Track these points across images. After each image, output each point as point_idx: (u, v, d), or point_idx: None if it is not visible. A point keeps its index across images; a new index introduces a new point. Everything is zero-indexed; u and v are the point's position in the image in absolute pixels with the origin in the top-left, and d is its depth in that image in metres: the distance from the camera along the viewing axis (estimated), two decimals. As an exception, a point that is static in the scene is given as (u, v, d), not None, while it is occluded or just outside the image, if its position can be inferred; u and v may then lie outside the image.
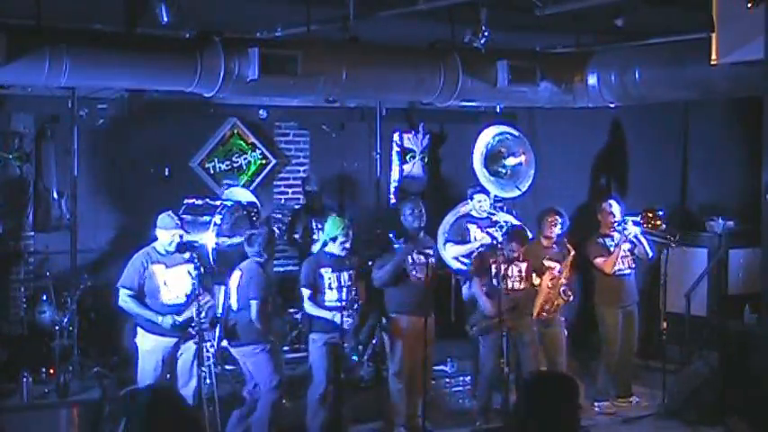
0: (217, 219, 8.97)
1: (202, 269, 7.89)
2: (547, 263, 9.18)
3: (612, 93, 9.72)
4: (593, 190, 11.33)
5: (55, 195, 9.88)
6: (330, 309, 8.16)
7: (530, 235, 9.52)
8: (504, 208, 10.37)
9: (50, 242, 9.80)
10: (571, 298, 9.30)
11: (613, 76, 9.60)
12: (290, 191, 11.26)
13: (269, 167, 11.09)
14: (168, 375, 7.92)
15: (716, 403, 9.04)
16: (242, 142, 10.96)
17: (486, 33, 8.06)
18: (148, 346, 7.85)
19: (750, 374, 8.62)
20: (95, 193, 10.11)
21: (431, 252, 8.61)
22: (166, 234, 7.84)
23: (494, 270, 8.72)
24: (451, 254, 9.64)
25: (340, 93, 9.22)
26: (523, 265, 8.84)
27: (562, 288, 9.18)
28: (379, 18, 8.16)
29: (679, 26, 8.60)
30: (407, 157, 11.74)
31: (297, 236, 10.25)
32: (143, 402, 3.64)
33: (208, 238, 8.88)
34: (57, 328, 8.96)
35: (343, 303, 8.10)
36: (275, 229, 8.51)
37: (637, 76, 9.40)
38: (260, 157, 11.04)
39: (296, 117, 11.23)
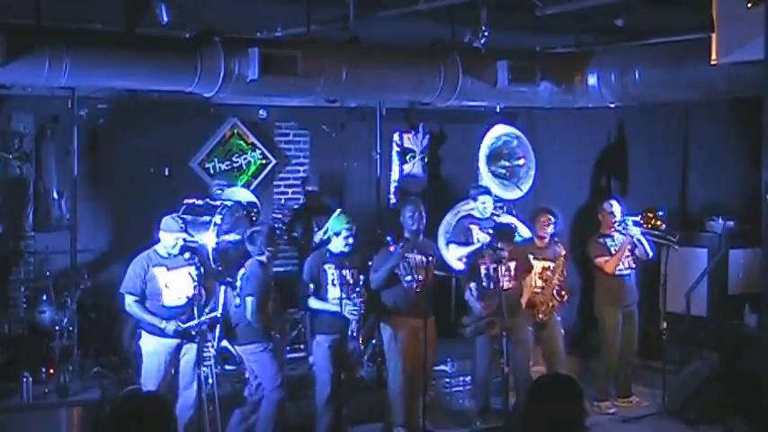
0: (217, 219, 8.97)
1: (203, 270, 7.88)
2: (534, 261, 9.17)
3: (612, 93, 9.72)
4: (593, 190, 11.32)
5: (55, 195, 9.88)
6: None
7: (528, 234, 9.54)
8: (504, 209, 10.36)
9: (50, 242, 9.80)
10: (566, 299, 9.30)
11: (613, 76, 9.61)
12: (290, 191, 11.26)
13: (269, 167, 11.09)
14: (170, 377, 7.90)
15: (716, 403, 9.04)
16: (242, 142, 10.97)
17: (486, 33, 8.06)
18: (151, 348, 7.85)
19: (750, 374, 8.62)
20: (95, 193, 10.12)
21: (430, 253, 8.59)
22: (170, 237, 7.83)
23: (483, 271, 8.73)
24: (454, 255, 9.63)
25: (340, 93, 9.22)
26: (512, 264, 8.82)
27: (555, 289, 9.17)
28: (379, 18, 8.16)
29: (679, 26, 8.60)
30: (407, 157, 11.74)
31: (297, 235, 10.25)
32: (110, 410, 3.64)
33: (208, 239, 8.88)
34: (57, 328, 8.96)
35: (344, 297, 8.10)
36: (277, 241, 8.51)
37: (637, 76, 9.41)
38: (260, 157, 11.05)
39: (296, 117, 11.23)
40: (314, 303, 8.29)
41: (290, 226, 10.43)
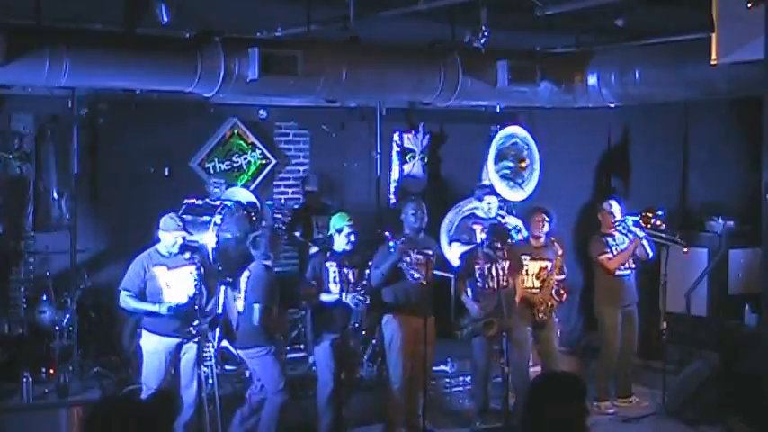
0: (217, 219, 8.97)
1: (203, 269, 7.88)
2: (531, 262, 9.15)
3: (612, 93, 9.72)
4: (595, 190, 11.29)
5: (55, 195, 9.88)
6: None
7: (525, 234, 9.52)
8: (505, 209, 10.34)
9: (50, 242, 9.80)
10: (565, 298, 9.28)
11: (613, 76, 9.61)
12: (290, 191, 11.26)
13: (269, 167, 11.09)
14: (171, 376, 7.90)
15: (716, 403, 9.03)
16: (242, 142, 10.97)
17: (486, 33, 8.06)
18: (151, 347, 7.86)
19: (750, 375, 8.61)
20: (95, 193, 10.11)
21: (430, 252, 8.60)
22: (169, 236, 7.83)
23: (477, 271, 8.71)
24: (457, 254, 9.62)
25: (340, 93, 9.22)
26: (506, 264, 8.80)
27: (554, 289, 9.16)
28: (379, 18, 8.16)
29: (679, 26, 8.60)
30: (407, 157, 11.74)
31: (297, 235, 10.25)
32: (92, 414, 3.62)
33: (208, 239, 8.88)
34: (57, 328, 8.97)
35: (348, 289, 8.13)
36: (279, 234, 8.52)
37: (637, 76, 9.41)
38: (260, 157, 11.05)
39: (296, 117, 11.23)
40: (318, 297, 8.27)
41: (290, 226, 10.43)
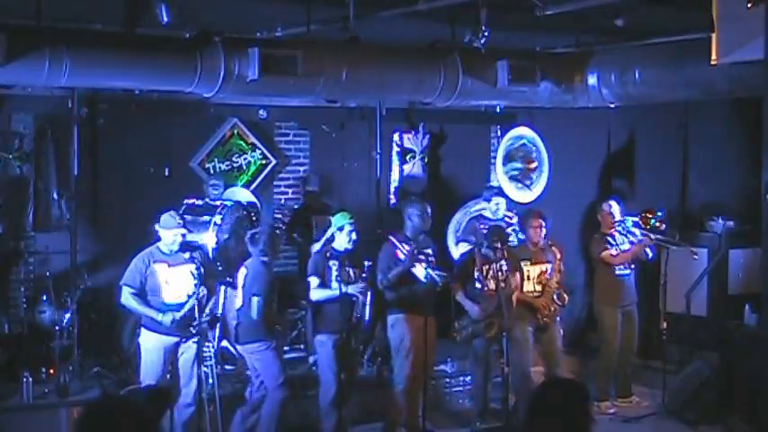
0: (217, 219, 8.97)
1: (203, 269, 7.88)
2: (530, 267, 9.10)
3: (612, 93, 9.72)
4: (599, 191, 11.25)
5: (55, 195, 9.88)
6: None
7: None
8: (514, 212, 10.30)
9: (50, 242, 9.79)
10: (566, 301, 9.27)
11: (613, 76, 9.61)
12: (290, 191, 11.26)
13: (269, 167, 11.09)
14: (169, 375, 7.90)
15: (716, 403, 9.05)
16: (242, 142, 10.97)
17: (486, 33, 8.06)
18: (150, 345, 7.86)
19: (750, 374, 8.62)
20: (95, 193, 10.11)
21: (430, 252, 8.59)
22: (169, 233, 7.84)
23: (476, 272, 8.69)
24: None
25: (340, 93, 9.22)
26: (503, 265, 8.77)
27: (555, 293, 9.14)
28: (379, 18, 8.16)
29: (679, 26, 8.60)
30: (407, 157, 11.74)
31: (296, 235, 10.25)
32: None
33: (208, 238, 8.88)
34: (57, 328, 8.96)
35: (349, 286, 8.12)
36: (277, 231, 8.51)
37: (637, 76, 9.41)
38: (260, 157, 11.04)
39: (296, 117, 11.23)
40: (319, 294, 8.23)
41: (290, 226, 10.43)
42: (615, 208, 9.54)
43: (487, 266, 8.64)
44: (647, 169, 10.93)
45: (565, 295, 9.19)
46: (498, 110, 11.04)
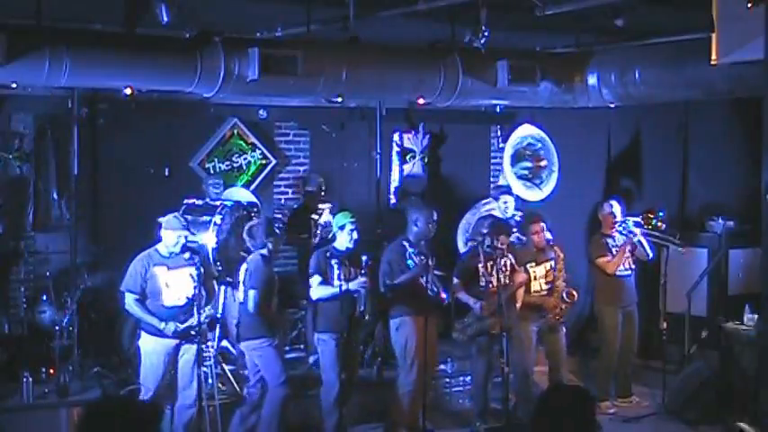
0: (217, 219, 8.97)
1: (203, 269, 7.86)
2: (536, 268, 9.08)
3: (612, 93, 9.73)
4: (603, 192, 11.23)
5: (55, 195, 9.88)
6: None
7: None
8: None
9: (50, 242, 9.80)
10: (576, 298, 9.23)
11: (613, 76, 9.61)
12: (290, 191, 11.26)
13: (269, 167, 11.09)
14: (170, 377, 7.90)
15: (716, 403, 9.05)
16: (242, 142, 10.96)
17: (486, 33, 8.06)
18: (149, 348, 7.85)
19: (750, 374, 8.62)
20: (95, 193, 10.11)
21: (430, 253, 8.57)
22: (172, 235, 7.81)
23: (480, 270, 8.67)
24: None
25: (340, 93, 9.21)
26: (507, 261, 8.75)
27: (564, 292, 9.13)
28: (379, 18, 8.16)
29: (679, 26, 8.60)
30: (407, 157, 11.74)
31: (296, 236, 10.23)
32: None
33: (208, 239, 8.88)
34: (57, 328, 8.96)
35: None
36: (276, 230, 8.50)
37: (637, 76, 9.41)
38: (260, 157, 11.04)
39: (296, 117, 11.23)
40: (321, 292, 8.21)
41: (290, 226, 10.42)
42: (616, 208, 9.54)
43: (492, 263, 8.60)
44: (647, 169, 10.93)
45: (574, 292, 9.17)
46: (498, 110, 11.03)
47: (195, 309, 7.69)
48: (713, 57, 7.33)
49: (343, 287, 8.08)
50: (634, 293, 9.66)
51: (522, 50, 9.69)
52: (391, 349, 8.84)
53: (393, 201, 11.59)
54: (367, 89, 9.22)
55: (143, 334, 7.92)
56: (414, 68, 9.22)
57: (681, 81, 9.03)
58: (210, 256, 8.78)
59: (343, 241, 8.30)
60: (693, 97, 9.45)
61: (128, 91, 8.22)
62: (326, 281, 8.18)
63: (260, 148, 11.04)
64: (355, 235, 8.28)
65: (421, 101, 9.49)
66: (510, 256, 8.70)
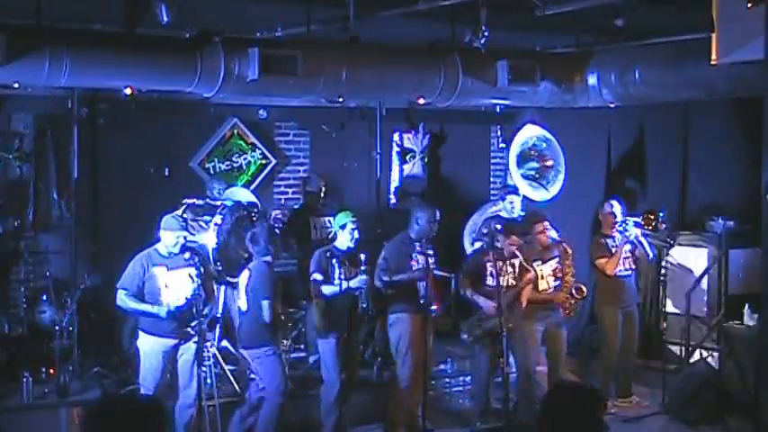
0: (217, 219, 8.96)
1: (203, 269, 7.86)
2: (543, 266, 9.07)
3: (612, 93, 9.73)
4: (606, 192, 11.22)
5: (55, 195, 9.88)
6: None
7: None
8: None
9: (50, 242, 9.80)
10: (585, 293, 9.19)
11: (613, 76, 9.62)
12: (290, 191, 11.26)
13: (269, 167, 11.09)
14: (169, 376, 7.89)
15: (716, 403, 9.04)
16: (242, 142, 10.97)
17: (486, 33, 8.06)
18: (148, 348, 7.84)
19: (750, 374, 8.62)
20: (95, 192, 10.11)
21: (431, 252, 8.58)
22: (171, 235, 7.80)
23: (489, 269, 8.66)
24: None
25: (340, 93, 9.22)
26: (516, 262, 8.75)
27: (573, 287, 9.11)
28: (379, 18, 8.16)
29: (679, 26, 8.61)
30: (407, 157, 11.74)
31: (295, 236, 10.23)
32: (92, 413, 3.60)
33: (208, 239, 8.87)
34: (57, 328, 8.95)
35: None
36: (276, 230, 8.50)
37: (637, 76, 9.41)
38: (260, 157, 11.05)
39: (296, 117, 11.23)
40: (323, 290, 8.23)
41: (290, 226, 10.41)
42: (616, 208, 9.53)
43: (501, 263, 8.59)
44: (648, 169, 10.92)
45: (583, 288, 9.15)
46: (498, 110, 11.03)
47: (195, 310, 7.67)
48: (713, 57, 7.33)
49: (344, 285, 8.09)
50: (634, 293, 9.66)
51: (522, 50, 9.69)
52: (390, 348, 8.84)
53: (393, 201, 11.59)
54: (367, 89, 9.22)
55: (141, 334, 7.91)
56: (414, 68, 9.22)
57: (681, 81, 9.03)
58: (211, 256, 8.78)
59: (344, 241, 8.30)
60: (694, 97, 9.45)
61: (128, 91, 8.23)
62: (328, 280, 8.19)
63: (260, 148, 11.04)
64: (356, 234, 8.28)
65: (421, 101, 9.51)
66: (520, 255, 8.68)
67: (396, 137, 11.64)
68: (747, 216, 9.60)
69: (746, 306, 9.37)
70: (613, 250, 9.46)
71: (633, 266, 9.56)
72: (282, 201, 11.11)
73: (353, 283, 8.12)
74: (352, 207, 9.37)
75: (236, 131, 10.94)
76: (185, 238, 7.89)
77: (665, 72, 9.26)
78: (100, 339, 9.47)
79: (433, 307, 8.43)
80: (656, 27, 8.98)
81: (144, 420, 3.52)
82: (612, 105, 9.98)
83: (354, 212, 8.48)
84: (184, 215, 8.44)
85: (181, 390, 7.87)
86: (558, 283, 9.10)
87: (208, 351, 7.83)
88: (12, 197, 9.78)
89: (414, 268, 8.42)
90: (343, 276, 8.12)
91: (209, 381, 7.92)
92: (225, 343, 9.15)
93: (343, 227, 8.31)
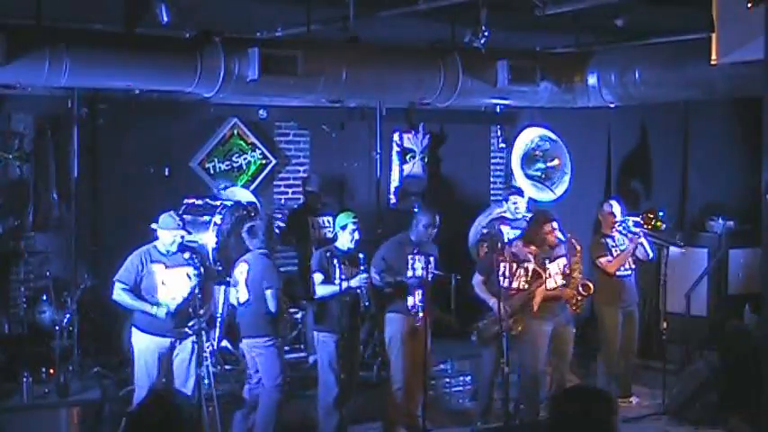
0: (217, 219, 8.96)
1: (202, 269, 7.85)
2: (550, 265, 9.05)
3: (612, 93, 9.73)
4: (601, 191, 11.22)
5: (55, 196, 9.88)
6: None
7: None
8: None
9: (50, 242, 9.80)
10: (591, 290, 9.17)
11: (613, 76, 9.61)
12: (290, 191, 11.26)
13: (269, 167, 11.09)
14: (164, 377, 7.87)
15: (716, 403, 9.04)
16: (242, 142, 10.97)
17: (486, 33, 8.06)
18: (143, 346, 7.82)
19: (750, 374, 8.61)
20: (95, 193, 10.11)
21: (431, 254, 8.57)
22: (168, 234, 7.80)
23: (502, 270, 8.64)
24: (483, 253, 9.59)
25: (340, 93, 9.22)
26: (530, 265, 8.73)
27: (580, 284, 9.09)
28: (379, 18, 8.16)
29: (679, 26, 8.61)
30: (407, 157, 11.74)
31: (295, 237, 10.23)
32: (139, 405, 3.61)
33: (208, 239, 8.87)
34: (57, 328, 8.95)
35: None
36: (275, 230, 8.49)
37: (637, 76, 9.41)
38: (260, 157, 11.05)
39: (296, 117, 11.23)
40: (324, 290, 8.21)
41: (290, 226, 10.42)
42: (616, 208, 9.52)
43: (515, 265, 8.58)
44: (648, 169, 10.92)
45: (590, 285, 9.13)
46: (498, 110, 11.03)
47: (191, 309, 7.66)
48: (713, 57, 7.33)
49: (344, 285, 8.09)
50: (635, 293, 9.66)
51: (522, 50, 9.69)
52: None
53: (393, 201, 11.59)
54: (367, 89, 9.22)
55: (135, 331, 7.86)
56: (414, 68, 9.22)
57: (681, 81, 9.03)
58: (211, 256, 8.77)
59: (345, 241, 8.30)
60: (694, 97, 9.45)
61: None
62: (329, 279, 8.19)
63: (260, 148, 11.04)
64: (357, 235, 8.28)
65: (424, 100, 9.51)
66: (533, 261, 8.66)
67: (396, 137, 11.64)
68: (747, 216, 9.61)
69: (746, 306, 9.37)
70: (614, 250, 9.46)
71: (633, 266, 9.56)
72: (282, 201, 11.11)
73: (354, 282, 8.12)
74: (352, 207, 9.38)
75: (236, 131, 10.94)
76: (183, 237, 7.88)
77: (665, 72, 9.26)
78: (100, 339, 9.47)
79: (420, 315, 8.40)
80: (656, 27, 8.98)
81: (180, 421, 3.54)
82: (612, 105, 9.98)
83: (355, 213, 8.48)
84: (185, 216, 8.44)
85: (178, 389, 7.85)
86: (564, 281, 9.08)
87: (206, 351, 7.82)
88: (12, 197, 9.78)
89: (408, 275, 8.41)
90: (343, 276, 8.12)
91: (207, 381, 7.91)
92: (225, 343, 9.15)
93: (344, 227, 8.31)
